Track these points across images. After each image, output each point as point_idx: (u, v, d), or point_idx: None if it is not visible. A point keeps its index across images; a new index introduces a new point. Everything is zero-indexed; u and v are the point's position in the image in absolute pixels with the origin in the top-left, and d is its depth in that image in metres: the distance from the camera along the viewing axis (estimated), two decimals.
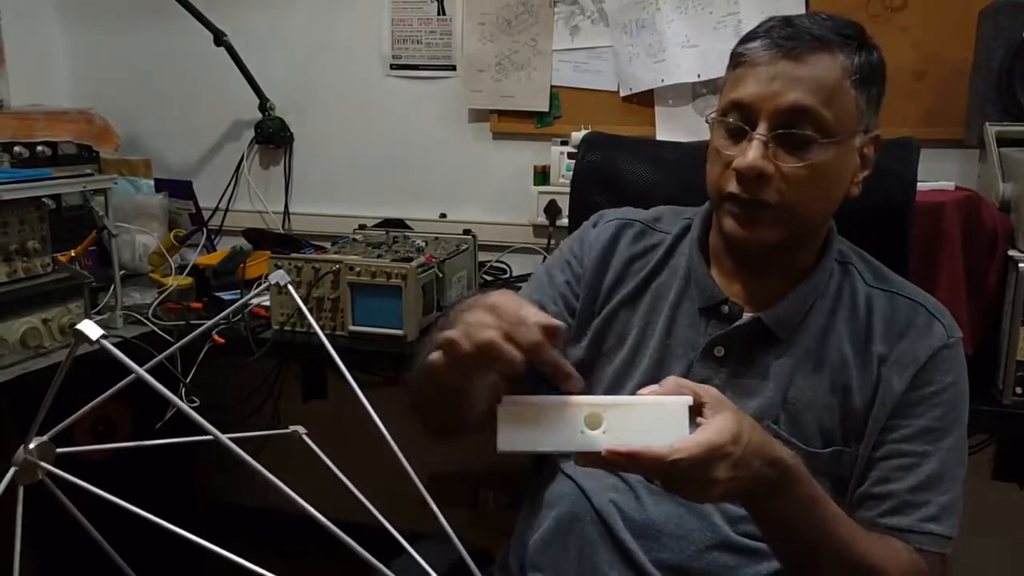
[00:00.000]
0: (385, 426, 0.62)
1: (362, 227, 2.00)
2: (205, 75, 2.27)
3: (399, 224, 2.05)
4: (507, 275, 2.06)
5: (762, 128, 0.92)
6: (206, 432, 0.51)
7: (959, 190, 1.52)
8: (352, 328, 1.61)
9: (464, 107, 2.11)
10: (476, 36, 2.05)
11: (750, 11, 1.83)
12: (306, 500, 0.52)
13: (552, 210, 1.98)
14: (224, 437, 0.51)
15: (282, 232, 2.24)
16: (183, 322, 1.70)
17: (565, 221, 1.83)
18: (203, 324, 0.73)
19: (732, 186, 0.94)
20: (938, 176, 1.57)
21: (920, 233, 1.34)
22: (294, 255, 1.68)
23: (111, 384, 0.58)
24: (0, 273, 1.48)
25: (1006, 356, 1.35)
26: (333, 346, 0.63)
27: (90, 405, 0.58)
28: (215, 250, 2.15)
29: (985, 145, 1.57)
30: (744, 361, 1.00)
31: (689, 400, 0.76)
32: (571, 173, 1.46)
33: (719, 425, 0.75)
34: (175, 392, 1.30)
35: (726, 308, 1.01)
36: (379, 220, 2.08)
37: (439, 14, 2.08)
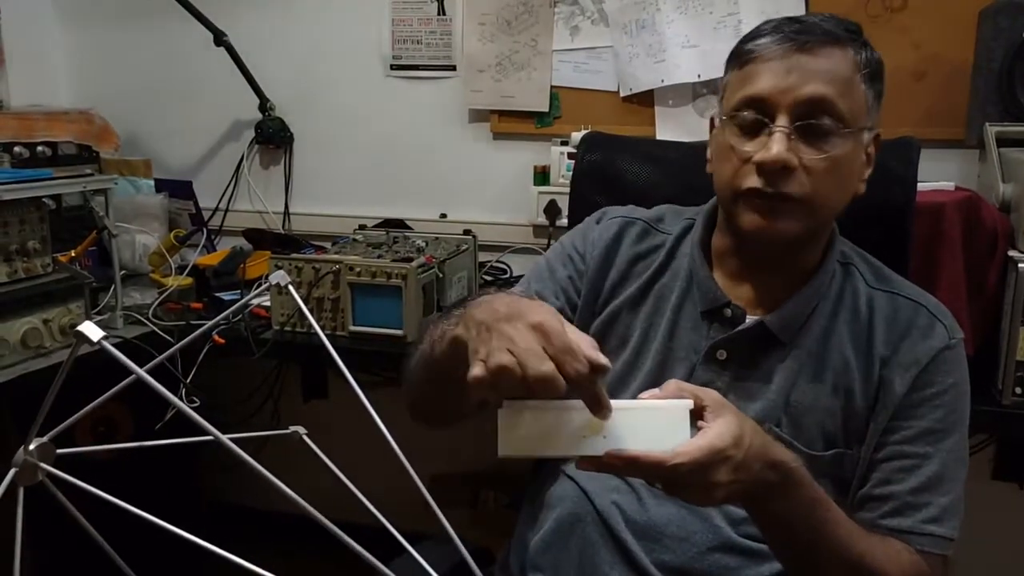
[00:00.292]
0: (386, 426, 0.62)
1: (362, 227, 2.00)
2: (205, 75, 2.27)
3: (399, 224, 2.05)
4: (507, 275, 2.06)
5: (783, 120, 0.91)
6: (207, 433, 0.51)
7: (959, 190, 1.52)
8: (352, 328, 1.61)
9: (464, 107, 2.11)
10: (476, 36, 2.05)
11: (750, 11, 1.83)
12: (306, 500, 0.52)
13: (552, 210, 1.98)
14: (224, 437, 0.51)
15: (282, 232, 2.24)
16: (183, 322, 1.70)
17: (565, 221, 1.82)
18: (203, 324, 0.73)
19: (752, 181, 0.93)
20: (938, 176, 1.57)
21: (920, 233, 1.34)
22: (294, 255, 1.68)
23: (111, 385, 0.58)
24: (0, 273, 1.48)
25: (1006, 356, 1.35)
26: (333, 346, 0.63)
27: (91, 406, 0.58)
28: (215, 250, 2.15)
29: (985, 145, 1.57)
30: (747, 364, 1.00)
31: (690, 404, 0.76)
32: (571, 173, 1.46)
33: (720, 429, 0.75)
34: (175, 392, 1.30)
35: (728, 311, 1.01)
36: (379, 220, 2.08)
37: (439, 14, 2.08)
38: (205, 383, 1.65)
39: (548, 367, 0.70)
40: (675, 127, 1.94)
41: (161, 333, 1.65)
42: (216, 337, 1.62)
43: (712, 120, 1.06)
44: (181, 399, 0.49)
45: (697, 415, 0.77)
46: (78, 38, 2.40)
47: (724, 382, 0.99)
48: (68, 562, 1.55)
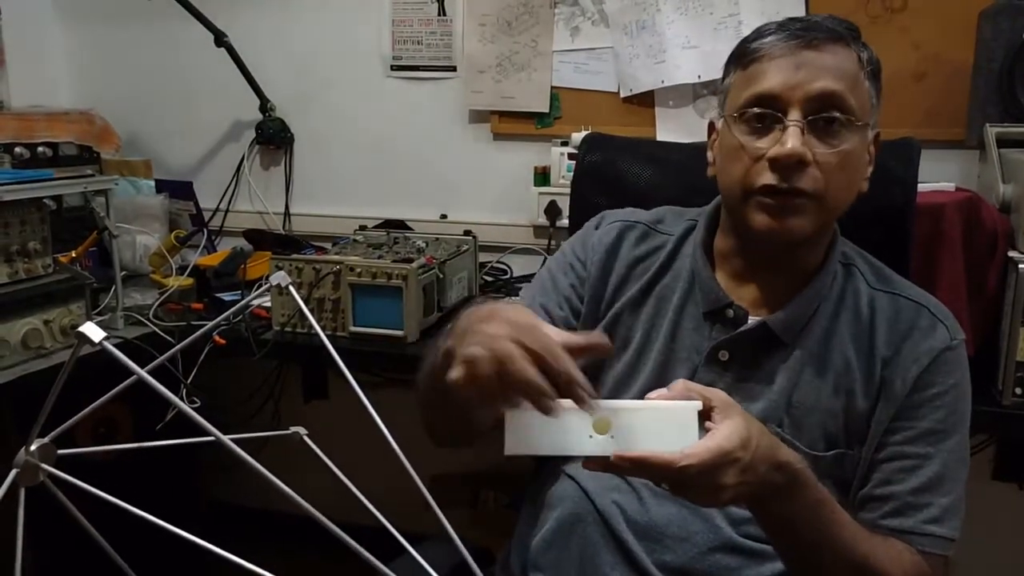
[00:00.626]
0: (386, 427, 0.62)
1: (363, 228, 2.00)
2: (206, 76, 2.27)
3: (400, 225, 2.05)
4: (508, 276, 2.06)
5: (795, 115, 0.91)
6: (207, 433, 0.51)
7: (959, 191, 1.52)
8: (353, 329, 1.61)
9: (464, 108, 2.11)
10: (476, 37, 2.05)
11: (751, 12, 1.83)
12: (307, 500, 0.52)
13: (552, 211, 1.98)
14: (225, 438, 0.51)
15: (283, 233, 2.24)
16: (184, 323, 1.71)
17: (565, 222, 1.83)
18: (204, 325, 0.73)
19: (766, 178, 0.92)
20: (938, 177, 1.57)
21: (920, 234, 1.34)
22: (295, 256, 1.68)
23: (112, 385, 0.58)
24: (1, 274, 1.48)
25: (1006, 357, 1.35)
26: (334, 347, 0.63)
27: (92, 407, 0.58)
28: (216, 251, 2.15)
29: (985, 146, 1.57)
30: (749, 365, 1.00)
31: (699, 405, 0.76)
32: (571, 174, 1.46)
33: (728, 430, 0.75)
34: (176, 393, 1.30)
35: (731, 312, 1.01)
36: (380, 221, 2.08)
37: (439, 15, 2.08)
38: (206, 384, 1.66)
39: (512, 349, 0.71)
40: (675, 128, 1.94)
41: (162, 334, 1.65)
42: (217, 338, 1.63)
43: (711, 123, 1.06)
44: (182, 399, 0.49)
45: (705, 415, 0.77)
46: (78, 38, 2.40)
47: (726, 383, 0.99)
48: (68, 562, 1.55)
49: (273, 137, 2.22)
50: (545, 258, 2.03)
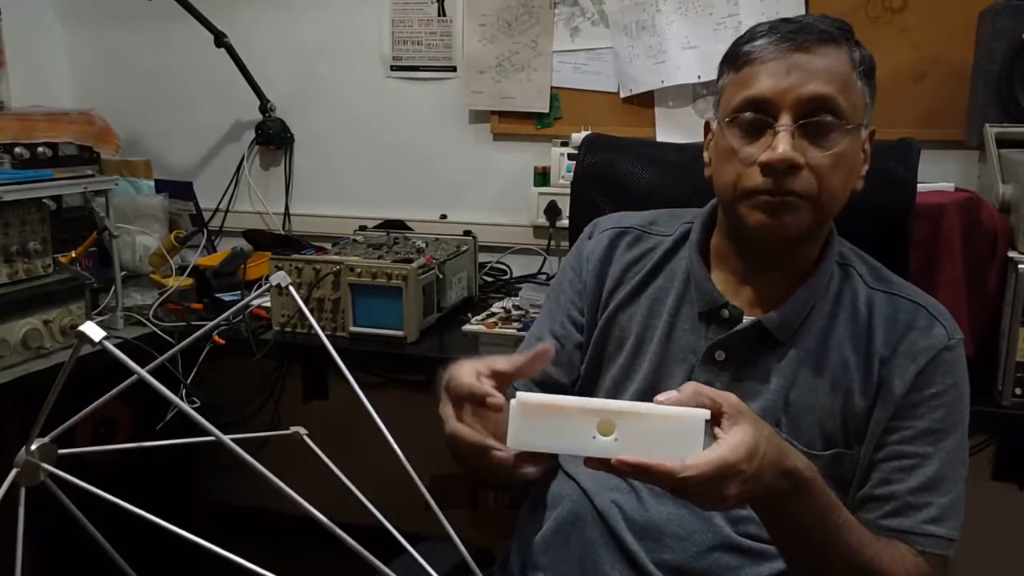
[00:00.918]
0: (386, 427, 0.63)
1: (362, 228, 2.00)
2: (206, 76, 2.27)
3: (399, 225, 2.06)
4: (507, 276, 2.07)
5: (786, 119, 0.92)
6: (207, 433, 0.51)
7: (959, 191, 1.52)
8: (352, 329, 1.61)
9: (464, 108, 2.11)
10: (476, 37, 2.05)
11: (750, 12, 1.83)
12: (307, 501, 0.52)
13: (552, 211, 1.98)
14: (225, 438, 0.51)
15: (282, 233, 2.24)
16: (184, 323, 1.71)
17: (565, 222, 1.83)
18: (204, 325, 0.73)
19: (758, 182, 0.93)
20: (938, 177, 1.57)
21: (920, 234, 1.34)
22: (295, 256, 1.68)
23: (112, 385, 0.58)
24: (1, 274, 1.48)
25: (1006, 357, 1.35)
26: (334, 347, 0.63)
27: (92, 406, 0.58)
28: (216, 251, 2.15)
29: (985, 146, 1.57)
30: (745, 364, 1.00)
31: (706, 415, 0.75)
32: (571, 174, 1.46)
33: (735, 441, 0.75)
34: (175, 393, 1.30)
35: (726, 312, 1.01)
36: (379, 221, 2.08)
37: (439, 15, 2.08)
38: (205, 384, 1.66)
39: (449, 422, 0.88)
40: (675, 128, 1.94)
41: (161, 334, 1.65)
42: (217, 338, 1.63)
43: (707, 124, 1.06)
44: (182, 399, 0.49)
45: (715, 420, 0.77)
46: (78, 39, 2.40)
47: (723, 382, 0.99)
48: (69, 562, 1.55)
49: (273, 137, 2.22)
50: (545, 258, 2.03)
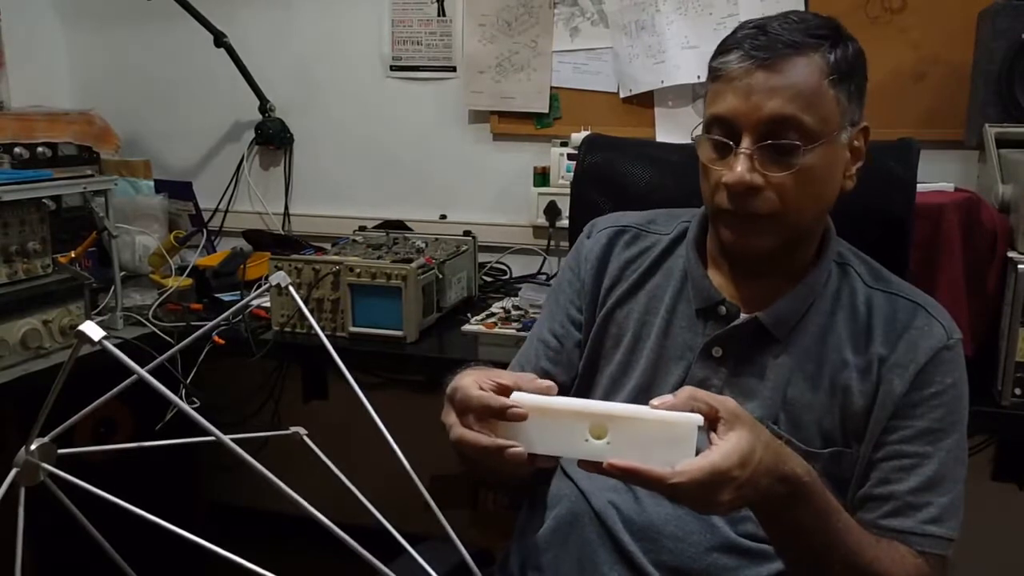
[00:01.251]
0: (386, 427, 0.63)
1: (362, 228, 2.00)
2: (205, 76, 2.27)
3: (399, 225, 2.06)
4: (507, 276, 2.07)
5: (746, 142, 0.92)
6: (207, 433, 0.51)
7: (959, 191, 1.52)
8: (352, 329, 1.61)
9: (464, 108, 2.11)
10: (476, 37, 2.05)
11: (750, 12, 1.83)
12: (307, 500, 0.52)
13: (552, 211, 1.98)
14: (225, 438, 0.51)
15: (282, 233, 2.24)
16: (183, 323, 1.71)
17: (565, 222, 1.83)
18: (203, 325, 0.73)
19: (723, 201, 0.95)
20: (938, 177, 1.57)
21: (920, 234, 1.34)
22: (294, 256, 1.68)
23: (111, 385, 0.58)
24: (0, 274, 1.48)
25: (1005, 357, 1.35)
26: (333, 347, 0.63)
27: (92, 406, 0.58)
28: (215, 251, 2.15)
29: (985, 146, 1.57)
30: (743, 361, 1.00)
31: (699, 421, 0.75)
32: (571, 174, 1.46)
33: (727, 448, 0.75)
34: (175, 393, 1.30)
35: (723, 309, 1.01)
36: (379, 221, 2.08)
37: (439, 15, 2.08)
38: (205, 384, 1.66)
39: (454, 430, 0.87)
40: (675, 128, 1.94)
41: (161, 334, 1.65)
42: (216, 338, 1.63)
43: (691, 138, 1.06)
44: (181, 399, 0.48)
45: (711, 425, 0.77)
46: (78, 38, 2.40)
47: (720, 379, 1.00)
48: (69, 562, 1.55)
49: (273, 137, 2.22)
50: (544, 258, 2.03)
